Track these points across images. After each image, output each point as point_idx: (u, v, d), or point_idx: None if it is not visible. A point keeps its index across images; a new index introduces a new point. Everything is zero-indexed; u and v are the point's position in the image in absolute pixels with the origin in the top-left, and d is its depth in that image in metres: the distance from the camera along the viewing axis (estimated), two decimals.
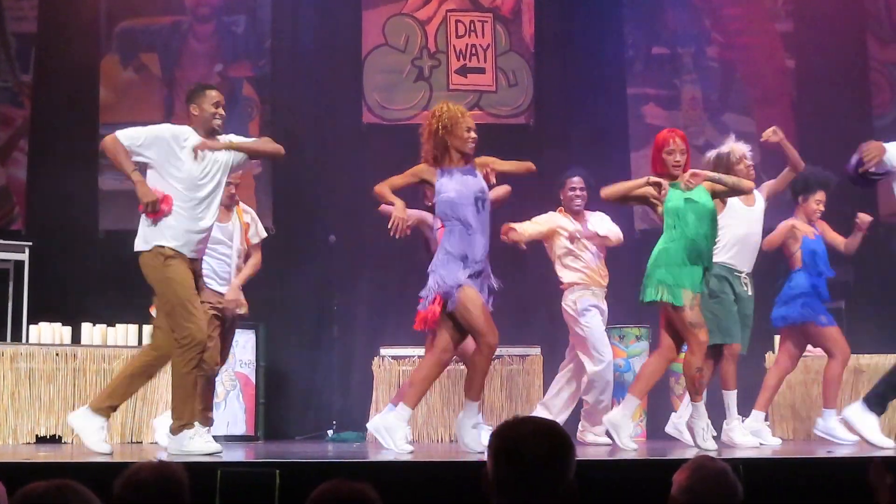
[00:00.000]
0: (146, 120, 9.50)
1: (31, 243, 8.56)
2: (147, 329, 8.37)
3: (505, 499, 2.63)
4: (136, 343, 8.33)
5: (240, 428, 8.44)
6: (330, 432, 8.58)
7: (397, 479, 4.81)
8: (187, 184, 6.01)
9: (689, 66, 9.81)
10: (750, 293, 7.11)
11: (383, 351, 8.69)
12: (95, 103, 9.49)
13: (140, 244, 6.06)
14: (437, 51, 9.73)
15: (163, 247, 5.96)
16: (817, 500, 4.83)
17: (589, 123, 9.55)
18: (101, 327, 8.32)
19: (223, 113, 6.21)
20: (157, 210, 5.98)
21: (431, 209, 6.61)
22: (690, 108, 9.79)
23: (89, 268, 9.09)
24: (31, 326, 8.24)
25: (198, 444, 5.89)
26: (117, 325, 8.36)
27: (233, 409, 8.45)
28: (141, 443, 8.08)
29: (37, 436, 7.89)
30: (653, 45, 9.85)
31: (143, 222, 6.06)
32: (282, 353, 9.09)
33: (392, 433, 6.14)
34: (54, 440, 7.92)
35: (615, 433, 6.41)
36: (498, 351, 8.46)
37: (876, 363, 8.43)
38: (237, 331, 8.48)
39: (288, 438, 8.74)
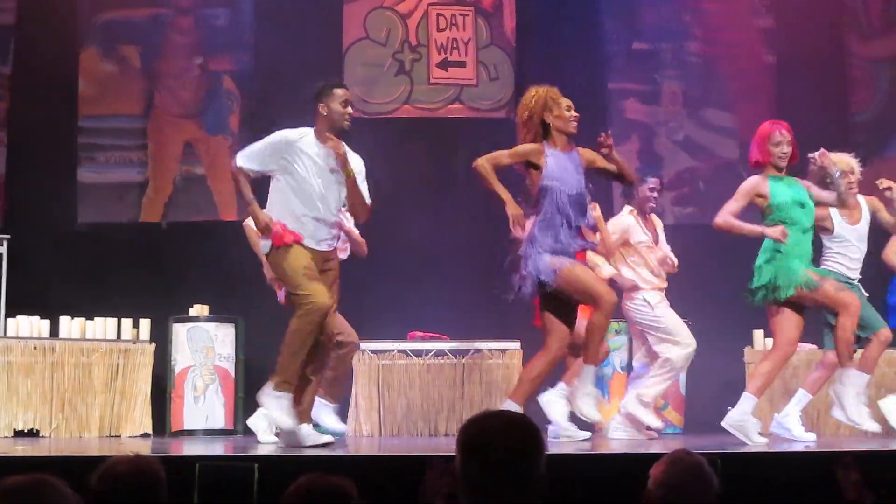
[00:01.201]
0: (126, 113, 9.51)
1: (9, 236, 8.51)
2: (126, 322, 8.36)
3: (474, 495, 2.61)
4: (114, 336, 8.31)
5: (219, 422, 8.42)
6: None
7: (376, 473, 4.81)
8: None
9: (670, 61, 9.83)
10: None
11: (363, 345, 8.67)
12: (75, 96, 9.45)
13: None
14: (418, 44, 9.72)
15: None
16: (796, 495, 4.85)
17: None
18: (79, 321, 8.29)
19: (351, 112, 6.24)
20: (271, 231, 6.03)
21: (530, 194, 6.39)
22: (671, 103, 9.81)
23: (68, 261, 9.06)
24: (9, 320, 8.21)
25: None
26: (96, 318, 8.33)
27: (212, 404, 8.43)
28: (119, 436, 8.06)
29: (14, 430, 7.85)
30: (633, 40, 9.86)
31: None
32: (262, 347, 9.04)
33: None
34: (32, 434, 7.89)
35: (743, 435, 6.35)
36: (476, 345, 8.52)
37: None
38: (215, 324, 8.49)
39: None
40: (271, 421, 6.51)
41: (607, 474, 4.93)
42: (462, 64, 9.70)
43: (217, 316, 8.56)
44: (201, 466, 4.28)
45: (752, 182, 6.56)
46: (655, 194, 7.72)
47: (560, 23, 9.77)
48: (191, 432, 8.26)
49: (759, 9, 9.94)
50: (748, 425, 6.35)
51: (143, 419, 8.26)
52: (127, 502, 3.04)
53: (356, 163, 6.33)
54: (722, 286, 7.85)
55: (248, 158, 6.17)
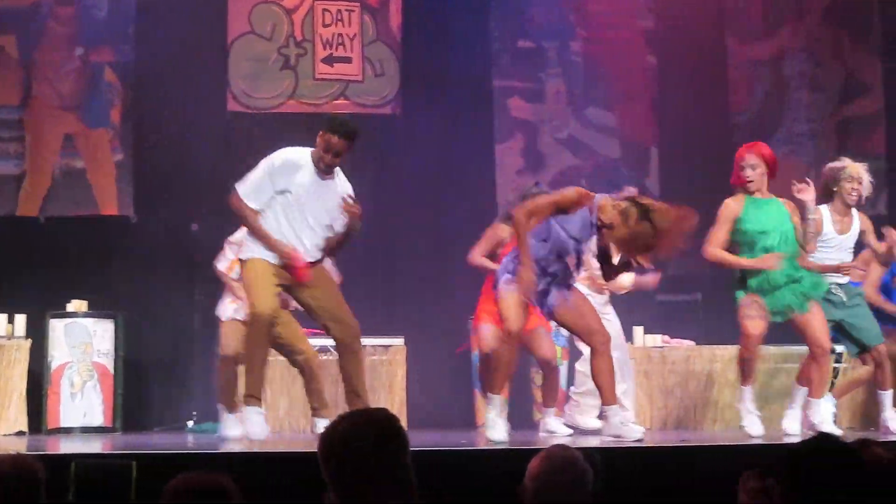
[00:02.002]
0: (1, 103, 9.27)
1: None
2: (1, 318, 8.16)
3: (341, 496, 2.61)
4: (22, 334, 8.08)
5: (97, 419, 8.27)
6: (190, 423, 8.48)
7: (256, 471, 4.78)
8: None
9: (554, 60, 9.93)
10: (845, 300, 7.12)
11: None
12: None
13: None
14: (303, 39, 9.66)
15: None
16: (677, 488, 4.94)
17: (455, 115, 9.60)
18: None
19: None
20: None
21: None
22: (555, 101, 9.91)
23: None
24: None
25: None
26: None
27: (90, 400, 8.27)
28: None
29: None
30: (519, 38, 9.94)
31: None
32: (142, 344, 8.94)
33: None
34: None
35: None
36: (362, 341, 8.50)
37: (731, 354, 8.65)
38: (94, 320, 8.34)
39: (147, 430, 8.61)
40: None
41: (489, 470, 4.97)
42: (348, 60, 9.67)
43: (96, 312, 8.40)
44: (77, 464, 4.20)
45: (728, 207, 6.63)
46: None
47: (446, 20, 9.81)
48: (68, 430, 8.10)
49: (642, 10, 10.09)
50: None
51: (18, 417, 8.06)
52: (6, 503, 2.98)
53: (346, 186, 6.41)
54: None
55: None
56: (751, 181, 6.58)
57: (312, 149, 6.28)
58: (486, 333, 7.17)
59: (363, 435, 2.63)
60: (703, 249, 6.59)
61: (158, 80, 9.35)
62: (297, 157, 6.27)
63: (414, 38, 9.78)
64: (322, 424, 6.12)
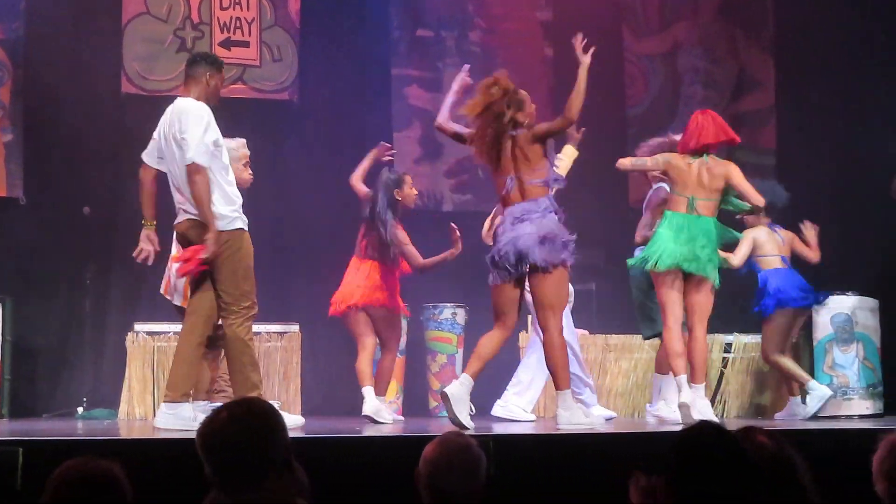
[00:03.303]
0: None
1: None
2: None
3: (224, 492, 2.60)
4: None
5: None
6: (80, 410, 8.35)
7: (146, 457, 4.72)
8: None
9: (453, 49, 9.94)
10: None
11: (137, 327, 8.50)
12: None
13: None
14: (200, 22, 9.52)
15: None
16: (568, 475, 5.00)
17: (353, 102, 9.58)
18: None
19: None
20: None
21: None
22: None
23: None
24: None
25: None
26: None
27: None
28: None
29: None
30: (417, 27, 9.94)
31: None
32: (31, 328, 8.77)
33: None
34: None
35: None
36: (256, 328, 8.43)
37: (623, 342, 8.79)
38: None
39: (35, 416, 8.45)
40: None
41: (384, 457, 4.98)
42: (245, 44, 9.57)
43: None
44: None
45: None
46: None
47: (344, 6, 9.78)
48: None
49: (540, 2, 10.16)
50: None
51: None
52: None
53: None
54: None
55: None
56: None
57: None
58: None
59: (236, 429, 2.62)
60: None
61: (50, 58, 9.15)
62: None
63: (312, 23, 9.72)
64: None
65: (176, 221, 6.19)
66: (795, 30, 10.12)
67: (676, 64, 10.26)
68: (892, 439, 3.10)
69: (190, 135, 5.93)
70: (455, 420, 5.91)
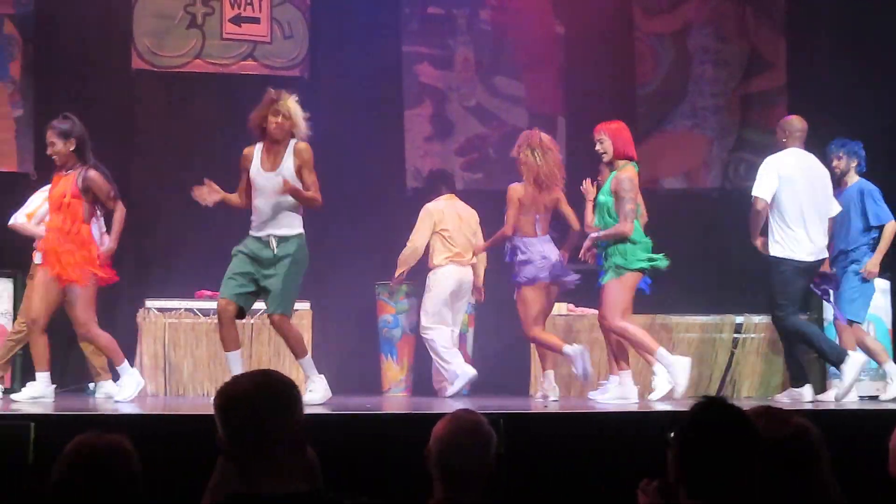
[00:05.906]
0: None
1: None
2: None
3: (237, 454, 2.61)
4: None
5: None
6: (91, 385, 8.37)
7: (155, 432, 4.75)
8: None
9: (463, 27, 9.91)
10: None
11: (149, 303, 8.52)
12: None
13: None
14: None
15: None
16: (578, 454, 5.01)
17: (364, 79, 9.55)
18: None
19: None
20: None
21: None
22: (463, 69, 9.90)
23: None
24: None
25: None
26: None
27: None
28: None
29: None
30: (429, 4, 9.90)
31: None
32: None
33: None
34: None
35: None
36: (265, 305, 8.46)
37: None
38: None
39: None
40: None
41: (395, 434, 4.99)
42: (256, 20, 9.55)
43: None
44: None
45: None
46: None
47: None
48: None
49: None
50: None
51: None
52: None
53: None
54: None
55: None
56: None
57: None
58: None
59: (260, 393, 2.63)
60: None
61: (60, 33, 9.15)
62: None
63: (323, 0, 9.69)
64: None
65: None
66: (807, 9, 10.06)
67: (687, 43, 10.19)
68: None
69: None
70: None
